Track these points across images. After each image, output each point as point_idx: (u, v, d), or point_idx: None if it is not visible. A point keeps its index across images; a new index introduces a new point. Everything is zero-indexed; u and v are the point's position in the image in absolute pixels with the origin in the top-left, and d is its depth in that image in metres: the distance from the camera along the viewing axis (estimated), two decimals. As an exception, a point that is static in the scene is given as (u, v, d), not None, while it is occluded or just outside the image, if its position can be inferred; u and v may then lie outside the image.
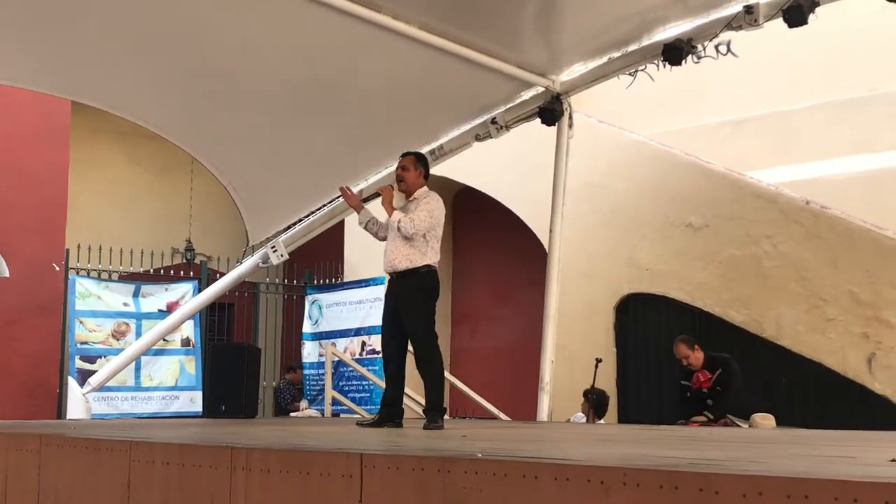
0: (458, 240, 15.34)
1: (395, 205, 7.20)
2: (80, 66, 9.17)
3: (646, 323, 11.54)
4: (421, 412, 12.02)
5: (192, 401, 13.72)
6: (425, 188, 7.27)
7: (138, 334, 13.21)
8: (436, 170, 11.94)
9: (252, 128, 10.22)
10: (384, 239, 7.27)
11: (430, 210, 7.05)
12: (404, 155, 7.41)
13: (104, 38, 8.69)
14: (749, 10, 8.26)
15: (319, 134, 10.28)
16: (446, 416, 7.09)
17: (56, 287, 12.71)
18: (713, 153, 11.33)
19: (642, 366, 11.46)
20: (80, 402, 11.27)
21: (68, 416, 11.30)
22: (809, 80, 11.61)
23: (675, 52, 8.77)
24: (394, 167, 10.89)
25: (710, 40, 8.67)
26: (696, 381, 8.53)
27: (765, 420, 8.05)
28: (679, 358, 8.64)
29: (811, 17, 8.05)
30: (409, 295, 7.04)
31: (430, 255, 7.05)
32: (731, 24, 8.43)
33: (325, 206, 11.43)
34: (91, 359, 12.93)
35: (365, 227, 7.42)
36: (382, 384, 12.87)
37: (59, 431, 5.92)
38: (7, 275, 12.30)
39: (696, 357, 8.59)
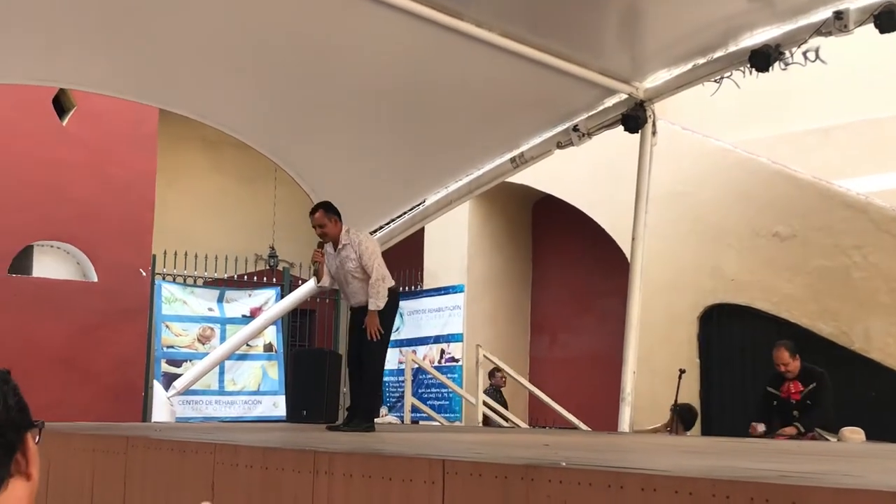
0: (537, 248, 15.28)
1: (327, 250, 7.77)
2: (168, 74, 9.34)
3: (730, 334, 11.34)
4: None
5: (275, 405, 13.86)
6: (346, 230, 7.68)
7: (223, 339, 13.40)
8: (516, 178, 11.95)
9: (335, 135, 10.31)
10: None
11: (374, 255, 7.57)
12: (312, 213, 7.72)
13: (191, 47, 8.83)
14: (839, 15, 8.09)
15: (401, 141, 10.32)
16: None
17: (142, 292, 12.94)
18: (801, 161, 11.11)
19: (726, 378, 11.26)
20: (164, 406, 11.47)
21: (153, 419, 11.48)
22: (900, 88, 11.34)
23: (762, 59, 8.62)
24: (476, 175, 11.00)
25: (799, 46, 8.51)
26: (785, 391, 8.30)
27: (854, 434, 7.84)
28: (777, 363, 8.39)
29: (904, 22, 7.86)
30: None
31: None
32: (821, 29, 8.26)
33: (405, 213, 11.48)
34: (177, 362, 13.13)
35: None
36: (461, 391, 12.97)
37: (145, 434, 6.01)
38: (95, 279, 12.55)
39: (795, 366, 8.35)
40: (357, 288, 7.60)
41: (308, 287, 12.15)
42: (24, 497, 1.88)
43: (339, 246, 7.63)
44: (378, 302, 7.44)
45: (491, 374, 13.24)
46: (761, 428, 8.08)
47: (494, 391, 13.16)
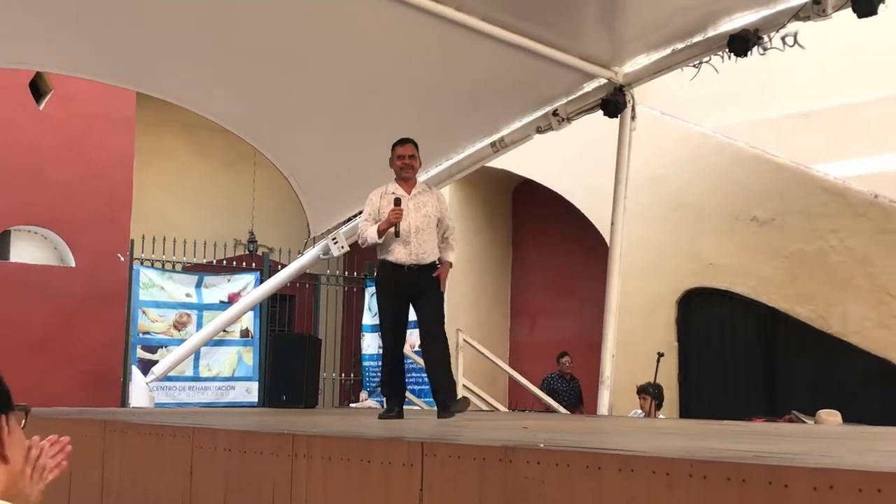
0: (517, 233, 15.28)
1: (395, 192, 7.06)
2: (145, 58, 9.27)
3: (708, 318, 11.40)
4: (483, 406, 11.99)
5: (248, 391, 13.84)
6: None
7: (199, 325, 13.34)
8: (496, 162, 11.94)
9: (314, 120, 10.26)
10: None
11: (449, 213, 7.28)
12: (403, 143, 7.19)
13: (168, 30, 8.77)
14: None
15: (381, 126, 10.25)
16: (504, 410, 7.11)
17: (120, 277, 12.87)
18: (779, 146, 11.15)
19: (704, 361, 11.32)
20: (143, 391, 11.42)
21: (132, 405, 11.44)
22: (877, 72, 11.37)
23: (740, 44, 8.62)
24: (455, 159, 10.96)
25: (777, 31, 8.51)
26: None
27: (831, 416, 7.91)
28: None
29: (881, 7, 7.87)
30: (434, 281, 7.07)
31: None
32: (799, 14, 8.27)
33: (385, 198, 11.41)
34: (152, 349, 13.07)
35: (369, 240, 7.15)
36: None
37: (123, 418, 5.99)
38: (73, 264, 12.48)
39: None
40: (427, 237, 6.95)
41: (290, 270, 12.11)
42: (1, 479, 1.87)
43: (416, 191, 7.09)
44: (453, 250, 7.21)
45: (557, 360, 13.06)
46: None
47: (559, 378, 12.84)
